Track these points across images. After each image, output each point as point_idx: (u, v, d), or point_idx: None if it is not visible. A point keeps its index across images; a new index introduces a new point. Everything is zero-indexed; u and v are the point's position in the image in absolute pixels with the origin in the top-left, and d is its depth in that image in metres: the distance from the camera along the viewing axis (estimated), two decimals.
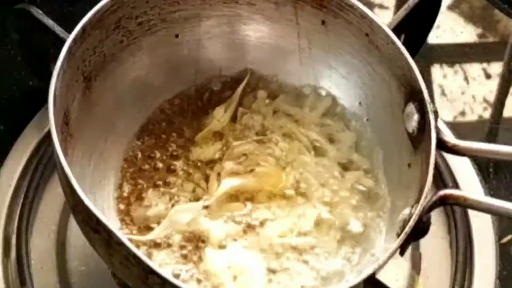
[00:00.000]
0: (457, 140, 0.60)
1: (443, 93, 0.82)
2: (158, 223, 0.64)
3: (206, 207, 0.65)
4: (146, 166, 0.68)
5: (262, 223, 0.65)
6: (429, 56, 0.84)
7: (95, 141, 0.65)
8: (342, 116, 0.71)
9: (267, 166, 0.67)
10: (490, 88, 0.83)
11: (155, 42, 0.69)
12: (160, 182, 0.67)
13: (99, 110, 0.66)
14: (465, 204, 0.59)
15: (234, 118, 0.71)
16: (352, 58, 0.69)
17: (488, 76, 0.83)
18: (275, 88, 0.73)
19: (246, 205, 0.66)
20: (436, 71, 0.84)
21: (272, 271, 0.63)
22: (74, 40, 0.60)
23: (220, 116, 0.70)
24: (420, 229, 0.57)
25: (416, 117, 0.62)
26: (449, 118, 0.79)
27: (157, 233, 0.63)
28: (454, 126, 0.77)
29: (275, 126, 0.70)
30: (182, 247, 0.63)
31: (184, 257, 0.63)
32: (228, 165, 0.67)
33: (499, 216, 0.70)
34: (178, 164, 0.68)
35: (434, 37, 0.85)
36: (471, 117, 0.80)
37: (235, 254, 0.63)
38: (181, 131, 0.70)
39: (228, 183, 0.66)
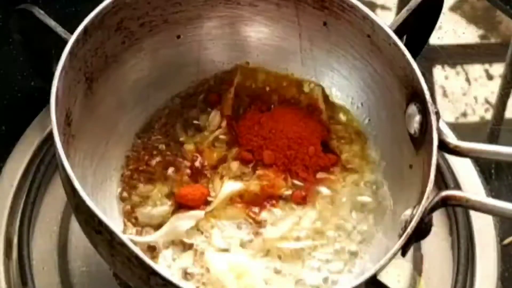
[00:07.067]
0: (459, 141, 0.60)
1: (444, 94, 0.82)
2: (162, 222, 0.64)
3: (208, 211, 0.65)
4: (149, 166, 0.68)
5: (263, 225, 0.65)
6: (431, 57, 0.84)
7: (97, 142, 0.65)
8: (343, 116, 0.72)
9: (268, 169, 0.68)
10: (492, 89, 0.83)
11: (156, 43, 0.69)
12: (163, 182, 0.67)
13: (101, 111, 0.66)
14: (467, 205, 0.59)
15: (236, 117, 0.71)
16: (353, 59, 0.69)
17: (490, 77, 0.83)
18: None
19: (248, 207, 0.66)
20: (438, 72, 0.83)
21: (274, 273, 0.63)
22: (76, 41, 0.60)
23: (217, 122, 0.70)
24: (422, 230, 0.57)
25: (417, 118, 0.62)
26: (451, 119, 0.79)
27: (156, 237, 0.63)
28: (455, 127, 0.77)
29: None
30: (184, 249, 0.63)
31: (186, 259, 0.63)
32: (234, 165, 0.67)
33: (501, 218, 0.70)
34: (181, 165, 0.68)
35: (436, 38, 0.85)
36: (473, 118, 0.80)
37: (236, 257, 0.63)
38: (183, 132, 0.70)
39: (230, 187, 0.66)
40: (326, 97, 0.72)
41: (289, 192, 0.67)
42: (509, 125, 0.81)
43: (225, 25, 0.71)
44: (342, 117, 0.71)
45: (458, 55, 0.85)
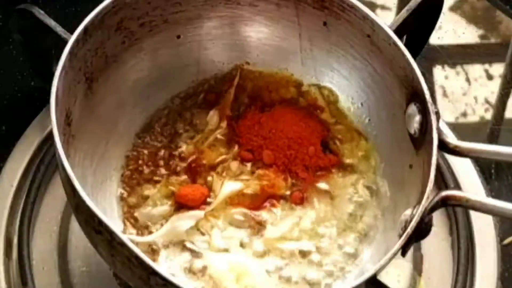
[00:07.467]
0: (459, 141, 0.60)
1: (444, 94, 0.82)
2: (162, 222, 0.64)
3: (208, 211, 0.65)
4: (149, 166, 0.68)
5: (263, 225, 0.65)
6: (431, 57, 0.84)
7: (97, 142, 0.65)
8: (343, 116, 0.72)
9: (268, 169, 0.67)
10: (492, 89, 0.83)
11: (156, 43, 0.69)
12: (163, 182, 0.67)
13: (101, 111, 0.66)
14: (467, 205, 0.59)
15: (236, 117, 0.71)
16: (353, 59, 0.69)
17: (490, 77, 0.83)
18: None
19: (248, 207, 0.66)
20: (438, 72, 0.83)
21: (274, 273, 0.63)
22: (76, 41, 0.60)
23: (217, 122, 0.70)
24: (422, 230, 0.57)
25: (417, 118, 0.62)
26: (451, 119, 0.79)
27: (156, 237, 0.63)
28: (455, 127, 0.77)
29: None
30: (184, 249, 0.63)
31: (186, 259, 0.63)
32: (234, 165, 0.67)
33: (501, 218, 0.70)
34: (181, 165, 0.68)
35: (436, 38, 0.85)
36: (473, 118, 0.80)
37: (236, 257, 0.63)
38: (183, 131, 0.70)
39: (230, 187, 0.66)
40: (326, 97, 0.72)
41: (289, 192, 0.67)
42: (509, 125, 0.81)
43: (225, 25, 0.71)
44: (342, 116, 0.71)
45: (458, 55, 0.85)
